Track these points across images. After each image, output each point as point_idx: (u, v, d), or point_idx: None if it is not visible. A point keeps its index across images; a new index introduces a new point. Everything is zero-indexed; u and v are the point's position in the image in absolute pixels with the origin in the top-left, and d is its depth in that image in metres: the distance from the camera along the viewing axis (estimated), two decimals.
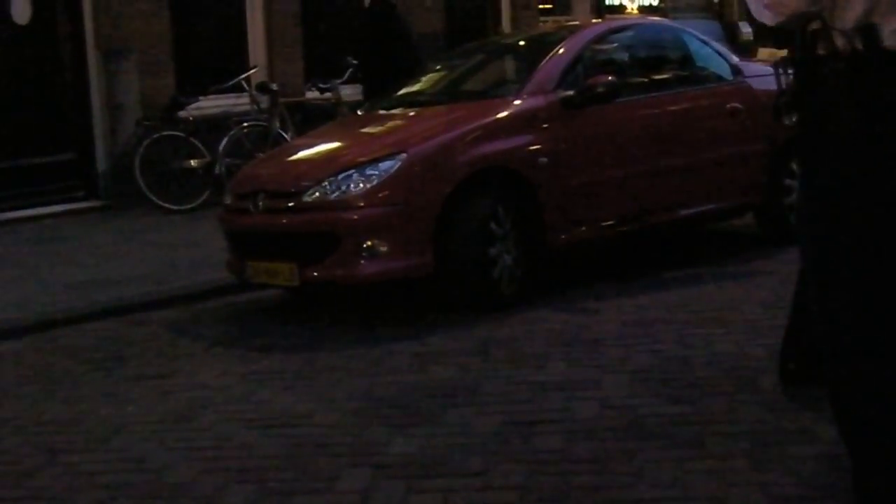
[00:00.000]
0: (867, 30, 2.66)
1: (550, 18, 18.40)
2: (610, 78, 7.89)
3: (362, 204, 7.04)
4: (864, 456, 2.94)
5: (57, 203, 12.27)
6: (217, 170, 12.04)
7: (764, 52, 14.16)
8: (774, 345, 5.49)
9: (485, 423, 5.04)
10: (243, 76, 13.13)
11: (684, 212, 8.31)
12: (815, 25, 2.75)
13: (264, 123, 12.66)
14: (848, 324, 2.85)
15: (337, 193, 7.12)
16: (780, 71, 2.87)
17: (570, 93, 7.80)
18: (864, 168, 2.73)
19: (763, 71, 8.68)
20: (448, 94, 8.77)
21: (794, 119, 2.85)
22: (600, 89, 7.80)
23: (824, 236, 2.86)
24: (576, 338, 6.42)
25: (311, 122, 12.18)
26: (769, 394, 5.16)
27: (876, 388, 2.84)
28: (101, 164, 12.72)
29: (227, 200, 7.94)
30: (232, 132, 12.35)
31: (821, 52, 2.76)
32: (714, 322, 6.52)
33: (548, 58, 8.12)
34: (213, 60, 13.70)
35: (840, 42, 2.71)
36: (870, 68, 2.68)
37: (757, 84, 8.63)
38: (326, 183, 7.16)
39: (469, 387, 5.63)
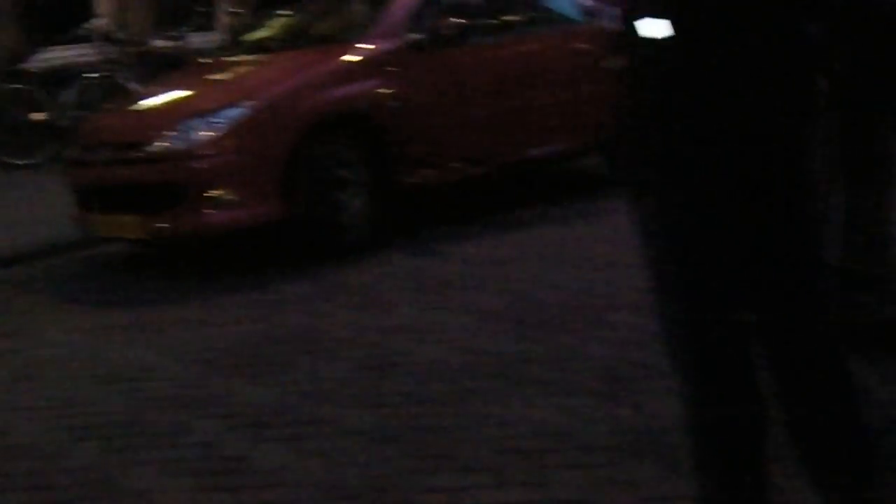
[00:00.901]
0: None
1: None
2: (458, 20, 7.86)
3: (208, 153, 6.93)
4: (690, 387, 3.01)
5: None
6: (62, 122, 11.72)
7: None
8: (621, 281, 5.55)
9: (334, 369, 5.01)
10: (89, 26, 12.79)
11: (533, 152, 8.36)
12: None
13: (111, 74, 12.34)
14: (665, 261, 2.90)
15: (183, 143, 6.99)
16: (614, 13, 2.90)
17: (419, 36, 7.76)
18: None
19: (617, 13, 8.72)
20: (295, 39, 8.64)
21: (618, 63, 2.88)
22: (448, 32, 7.79)
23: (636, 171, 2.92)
24: (425, 281, 6.42)
25: (159, 71, 11.92)
26: (617, 330, 5.19)
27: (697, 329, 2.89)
28: None
29: (73, 153, 7.76)
30: (78, 84, 12.04)
31: None
32: (563, 260, 6.57)
33: (395, 1, 8.05)
34: (58, 10, 13.32)
35: None
36: None
37: (609, 25, 8.67)
38: (172, 133, 7.04)
39: (318, 333, 5.60)
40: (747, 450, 2.97)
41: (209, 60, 9.03)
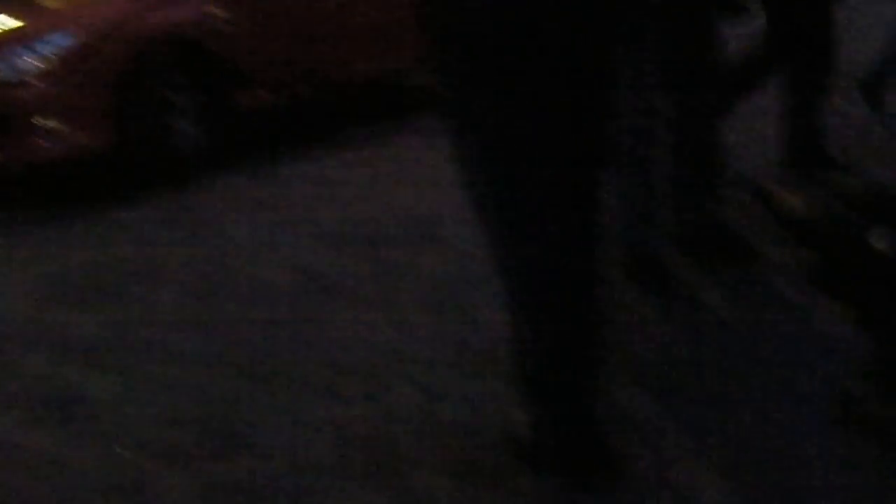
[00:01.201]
0: None
1: None
2: None
3: (35, 81, 6.75)
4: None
5: None
6: None
7: None
8: (451, 195, 5.58)
9: (165, 296, 4.98)
10: None
11: (366, 70, 8.34)
12: None
13: None
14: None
15: (7, 71, 6.80)
16: None
17: None
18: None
19: None
20: None
21: None
22: None
23: None
24: (259, 202, 6.39)
25: None
26: (448, 244, 5.23)
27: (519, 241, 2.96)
28: None
29: None
30: None
31: None
32: (394, 178, 6.59)
33: None
34: None
35: None
36: None
37: None
38: None
39: (150, 260, 5.55)
40: (575, 365, 3.05)
41: None
